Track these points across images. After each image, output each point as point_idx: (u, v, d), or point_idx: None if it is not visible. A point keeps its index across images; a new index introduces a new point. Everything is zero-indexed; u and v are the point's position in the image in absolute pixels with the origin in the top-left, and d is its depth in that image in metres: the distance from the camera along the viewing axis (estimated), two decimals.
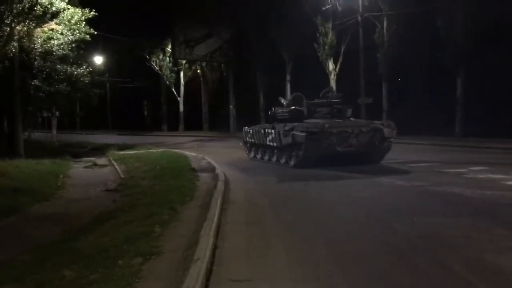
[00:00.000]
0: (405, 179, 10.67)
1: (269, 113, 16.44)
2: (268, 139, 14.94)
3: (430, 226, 6.39)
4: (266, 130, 15.13)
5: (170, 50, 41.69)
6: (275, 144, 14.52)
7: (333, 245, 5.64)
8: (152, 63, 44.21)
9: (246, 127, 17.27)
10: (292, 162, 13.77)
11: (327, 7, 30.33)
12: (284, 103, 15.93)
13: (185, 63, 44.00)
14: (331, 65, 32.21)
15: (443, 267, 4.82)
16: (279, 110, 15.69)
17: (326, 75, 32.46)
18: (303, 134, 12.87)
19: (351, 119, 14.62)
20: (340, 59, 32.21)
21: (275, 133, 14.38)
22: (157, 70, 44.39)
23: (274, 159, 14.86)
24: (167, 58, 43.93)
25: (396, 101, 30.35)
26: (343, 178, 11.49)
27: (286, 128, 13.66)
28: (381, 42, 28.80)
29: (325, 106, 14.83)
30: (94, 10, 19.13)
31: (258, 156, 16.12)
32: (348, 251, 5.38)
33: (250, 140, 16.64)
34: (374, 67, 29.17)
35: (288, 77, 35.38)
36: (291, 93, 35.10)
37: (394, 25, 28.25)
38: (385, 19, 28.50)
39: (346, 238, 6.00)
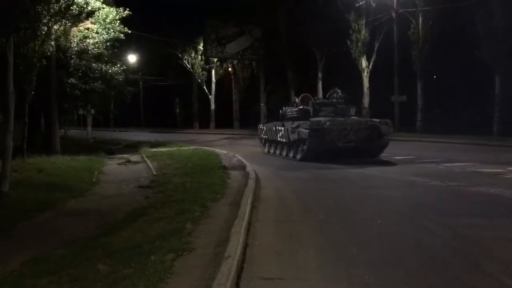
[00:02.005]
0: (439, 179, 10.40)
1: (280, 111, 17.72)
2: (279, 135, 16.52)
3: (465, 227, 6.22)
4: (277, 127, 16.69)
5: (202, 48, 42.00)
6: (284, 140, 16.09)
7: (365, 245, 5.55)
8: (184, 61, 44.66)
9: (261, 125, 19.35)
10: (298, 156, 15.18)
11: (360, 3, 29.95)
12: (297, 101, 17.39)
13: (217, 61, 44.25)
14: (364, 63, 31.77)
15: (478, 268, 4.69)
16: (289, 110, 17.13)
17: (359, 73, 32.05)
18: (307, 131, 14.35)
19: (352, 117, 15.70)
20: (374, 56, 31.74)
21: (284, 130, 15.96)
22: (189, 68, 44.82)
23: (284, 153, 16.31)
24: (199, 56, 44.29)
25: (431, 99, 29.73)
26: (372, 176, 11.33)
27: (293, 125, 15.27)
28: (416, 39, 28.21)
29: (329, 105, 16.13)
30: (128, 9, 19.43)
31: (271, 151, 17.58)
32: (380, 251, 5.29)
33: (264, 136, 18.36)
34: (409, 65, 28.62)
35: (319, 75, 35.10)
36: (323, 90, 34.98)
37: (429, 21, 27.62)
38: (420, 15, 27.89)
39: (377, 237, 5.90)
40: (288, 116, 16.76)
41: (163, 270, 4.63)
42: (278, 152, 16.88)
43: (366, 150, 14.74)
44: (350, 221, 6.80)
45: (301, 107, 16.58)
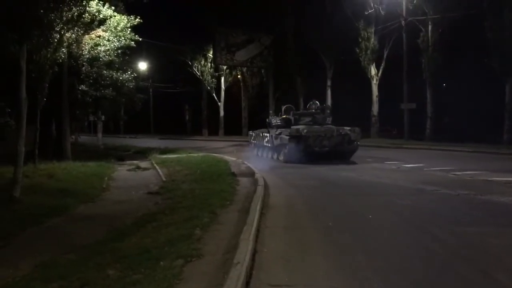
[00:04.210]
0: (449, 187, 10.36)
1: (266, 120, 20.04)
2: (265, 140, 19.00)
3: (475, 235, 6.21)
4: (264, 133, 19.27)
5: (211, 56, 42.23)
6: (269, 145, 18.49)
7: (373, 252, 5.54)
8: (194, 69, 44.93)
9: (251, 131, 22.13)
10: (281, 158, 17.40)
11: (369, 11, 29.98)
12: (283, 109, 19.71)
13: (226, 68, 44.44)
14: (373, 70, 31.77)
15: (487, 276, 4.67)
16: (273, 119, 19.41)
17: (368, 80, 32.04)
18: (287, 137, 16.57)
19: (328, 125, 17.64)
20: (383, 64, 31.73)
21: (269, 136, 18.35)
22: (199, 75, 45.07)
23: (270, 156, 18.63)
24: (209, 64, 44.53)
25: (441, 107, 29.61)
26: (382, 184, 11.30)
27: (277, 132, 17.48)
28: (425, 47, 28.18)
29: (308, 115, 18.67)
30: (139, 17, 19.62)
31: (260, 154, 19.97)
32: (389, 259, 5.28)
33: (253, 141, 21.01)
34: (418, 72, 28.56)
35: (328, 82, 35.12)
36: (332, 98, 35.00)
37: (439, 29, 27.58)
38: (429, 23, 27.87)
39: (386, 245, 5.88)
40: (273, 124, 18.94)
41: (172, 276, 4.66)
42: (265, 155, 19.25)
43: (339, 154, 16.80)
44: (358, 228, 6.78)
45: (284, 116, 18.95)
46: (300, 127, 17.13)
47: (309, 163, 16.12)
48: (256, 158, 19.33)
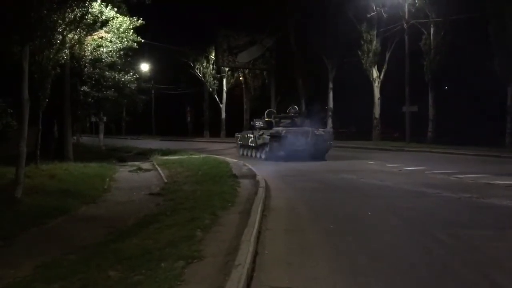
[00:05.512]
0: (451, 190, 10.35)
1: (251, 123, 22.31)
2: (249, 141, 21.03)
3: (476, 238, 6.21)
4: (248, 135, 21.40)
5: (213, 57, 42.25)
6: (253, 144, 20.61)
7: (374, 255, 5.54)
8: (196, 71, 44.95)
9: (237, 133, 24.14)
10: (263, 156, 19.54)
11: (372, 14, 29.99)
12: (265, 112, 21.90)
13: (228, 70, 44.45)
14: (375, 73, 31.77)
15: (489, 279, 4.67)
16: (257, 121, 21.47)
17: (370, 83, 32.03)
18: (268, 137, 18.82)
19: (305, 127, 19.47)
20: (385, 67, 31.72)
21: (253, 137, 20.52)
22: (201, 77, 45.10)
23: (254, 155, 20.71)
24: (211, 66, 44.54)
25: (442, 110, 29.58)
26: (384, 186, 11.28)
27: (260, 133, 19.81)
28: (427, 50, 28.17)
29: (288, 118, 20.69)
30: (141, 18, 19.63)
31: (245, 153, 21.84)
32: (391, 261, 5.27)
33: (239, 142, 22.81)
34: (420, 75, 28.54)
35: (330, 85, 35.10)
36: (333, 100, 35.01)
37: (441, 32, 27.57)
38: (432, 26, 27.86)
39: (387, 247, 5.87)
40: (257, 126, 21.00)
41: (173, 277, 4.65)
42: (249, 154, 21.20)
43: (314, 152, 18.61)
44: (360, 231, 6.78)
45: (266, 119, 21.04)
46: (280, 128, 19.22)
47: (309, 163, 16.55)
48: (243, 158, 20.31)
